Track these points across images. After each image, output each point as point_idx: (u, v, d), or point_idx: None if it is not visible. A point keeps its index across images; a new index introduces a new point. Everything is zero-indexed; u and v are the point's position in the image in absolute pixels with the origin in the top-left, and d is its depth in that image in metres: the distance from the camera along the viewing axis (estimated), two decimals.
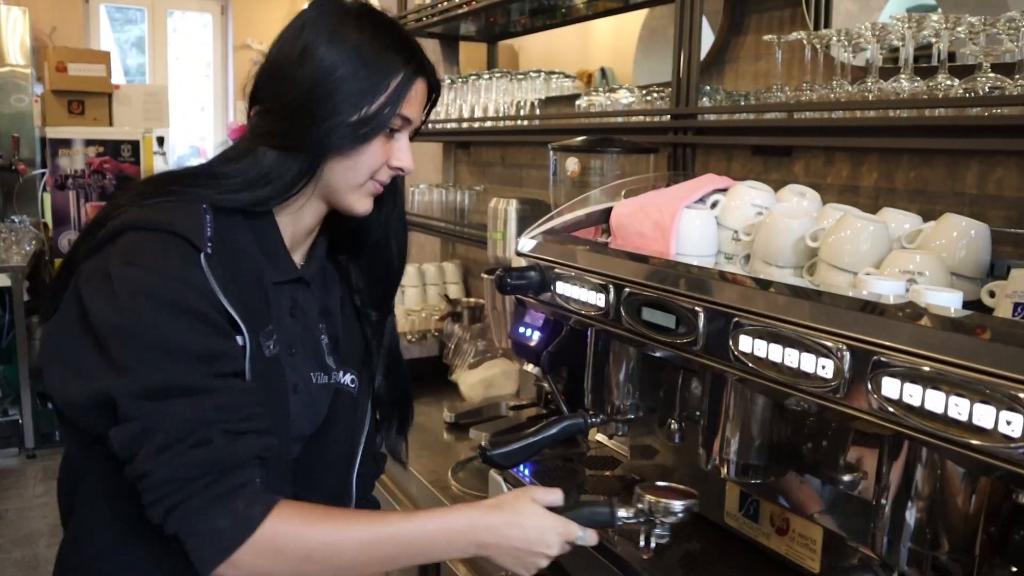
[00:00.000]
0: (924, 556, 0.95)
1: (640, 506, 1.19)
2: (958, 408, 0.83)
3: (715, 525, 1.48)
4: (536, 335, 2.01)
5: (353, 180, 1.16)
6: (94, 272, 1.04)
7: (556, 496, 1.18)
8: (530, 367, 2.26)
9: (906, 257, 1.22)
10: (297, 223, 1.21)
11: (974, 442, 0.82)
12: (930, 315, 0.91)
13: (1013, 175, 1.52)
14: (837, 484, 1.20)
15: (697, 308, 1.15)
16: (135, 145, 6.04)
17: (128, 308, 1.00)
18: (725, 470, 1.21)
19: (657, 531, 1.21)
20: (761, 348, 1.05)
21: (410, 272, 3.80)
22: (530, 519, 1.12)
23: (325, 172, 1.16)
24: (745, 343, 1.07)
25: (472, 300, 3.06)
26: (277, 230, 1.18)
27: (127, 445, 0.98)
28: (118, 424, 0.98)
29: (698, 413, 1.28)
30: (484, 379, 2.56)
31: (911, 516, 0.95)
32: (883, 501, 0.99)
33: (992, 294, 1.16)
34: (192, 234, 1.05)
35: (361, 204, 1.19)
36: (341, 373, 1.30)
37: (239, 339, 1.06)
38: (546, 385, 2.01)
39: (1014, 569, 0.98)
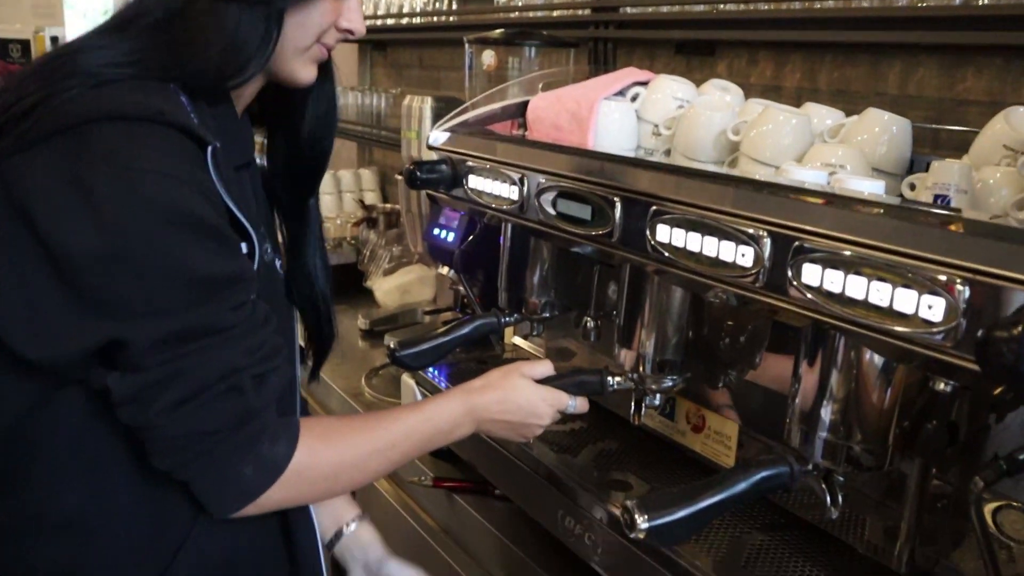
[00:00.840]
0: (838, 447, 0.92)
1: (632, 375, 1.21)
2: (879, 294, 0.80)
3: (630, 424, 1.45)
4: (451, 236, 1.93)
5: (301, 41, 0.98)
6: (51, 183, 0.81)
7: (545, 368, 1.19)
8: (446, 271, 2.20)
9: (828, 150, 1.19)
10: (239, 101, 1.03)
11: (896, 328, 0.79)
12: (852, 199, 0.87)
13: (934, 75, 1.50)
14: (754, 380, 1.18)
15: (613, 197, 1.09)
16: (25, 45, 5.64)
17: (123, 228, 0.80)
18: (641, 367, 1.17)
19: (648, 399, 1.22)
20: (679, 237, 1.00)
21: (325, 179, 3.66)
22: (521, 393, 1.13)
23: None
24: (663, 232, 1.02)
25: (388, 206, 2.96)
26: (234, 109, 1.02)
27: (134, 397, 0.84)
28: (118, 370, 0.84)
29: (615, 313, 1.23)
30: (400, 285, 2.49)
31: (826, 408, 0.92)
32: (799, 394, 0.96)
33: (912, 187, 1.14)
34: (191, 125, 0.85)
35: (305, 72, 1.02)
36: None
37: (244, 246, 0.92)
38: (462, 289, 1.95)
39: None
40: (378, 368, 2.14)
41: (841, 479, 0.96)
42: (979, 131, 1.16)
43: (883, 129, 1.25)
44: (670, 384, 1.20)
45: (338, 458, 0.98)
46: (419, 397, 1.62)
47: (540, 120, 1.54)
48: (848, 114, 1.31)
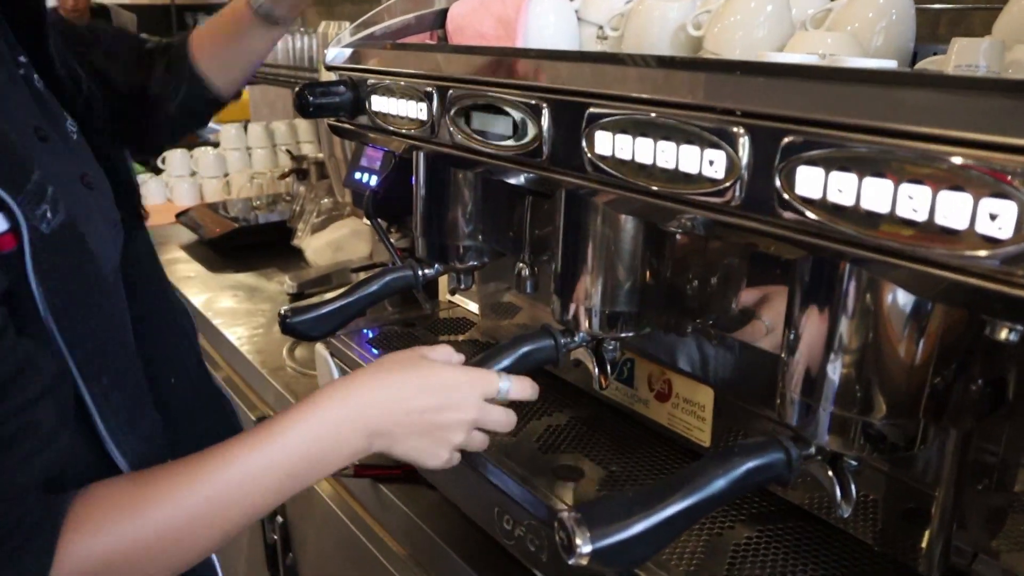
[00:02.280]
0: (851, 423, 0.67)
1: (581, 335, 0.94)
2: (913, 202, 0.53)
3: (581, 391, 1.20)
4: (374, 179, 1.66)
5: None
6: None
7: (445, 353, 0.88)
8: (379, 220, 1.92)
9: (813, 39, 0.94)
10: None
11: (939, 251, 0.53)
12: (862, 73, 0.61)
13: None
14: (732, 332, 0.92)
15: (537, 102, 0.82)
16: None
17: None
18: (587, 322, 0.91)
19: (609, 348, 0.95)
20: (625, 146, 0.73)
21: (257, 131, 3.38)
22: (432, 375, 0.81)
23: None
24: (603, 142, 0.75)
25: (322, 155, 2.67)
26: None
27: None
28: None
29: (551, 255, 0.97)
30: (331, 242, 2.22)
31: (833, 372, 0.67)
32: (795, 354, 0.70)
33: None
34: None
35: None
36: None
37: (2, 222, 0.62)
38: (392, 239, 1.68)
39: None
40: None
41: (854, 464, 0.71)
42: (1002, 7, 0.91)
43: (879, 13, 1.00)
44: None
45: (127, 547, 0.64)
46: (335, 371, 1.36)
47: (462, 30, 1.28)
48: (832, 0, 1.06)
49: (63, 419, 0.65)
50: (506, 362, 0.90)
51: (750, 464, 0.68)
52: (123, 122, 1.09)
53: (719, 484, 0.66)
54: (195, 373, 1.02)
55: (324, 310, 1.09)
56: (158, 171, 3.32)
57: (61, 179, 0.69)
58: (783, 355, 0.72)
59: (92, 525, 0.63)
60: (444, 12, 1.31)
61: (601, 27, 1.17)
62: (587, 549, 0.63)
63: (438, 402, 0.80)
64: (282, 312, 1.10)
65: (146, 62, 1.15)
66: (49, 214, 0.65)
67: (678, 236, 0.89)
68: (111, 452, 0.70)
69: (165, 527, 0.66)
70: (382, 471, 1.33)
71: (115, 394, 0.71)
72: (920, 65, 0.90)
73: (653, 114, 0.71)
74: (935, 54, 0.98)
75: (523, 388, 0.87)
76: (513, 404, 0.88)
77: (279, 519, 1.73)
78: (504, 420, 0.85)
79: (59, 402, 0.64)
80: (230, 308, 2.07)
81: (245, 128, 3.42)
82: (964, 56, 0.82)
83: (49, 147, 0.72)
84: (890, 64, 0.76)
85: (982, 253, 0.51)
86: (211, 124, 4.15)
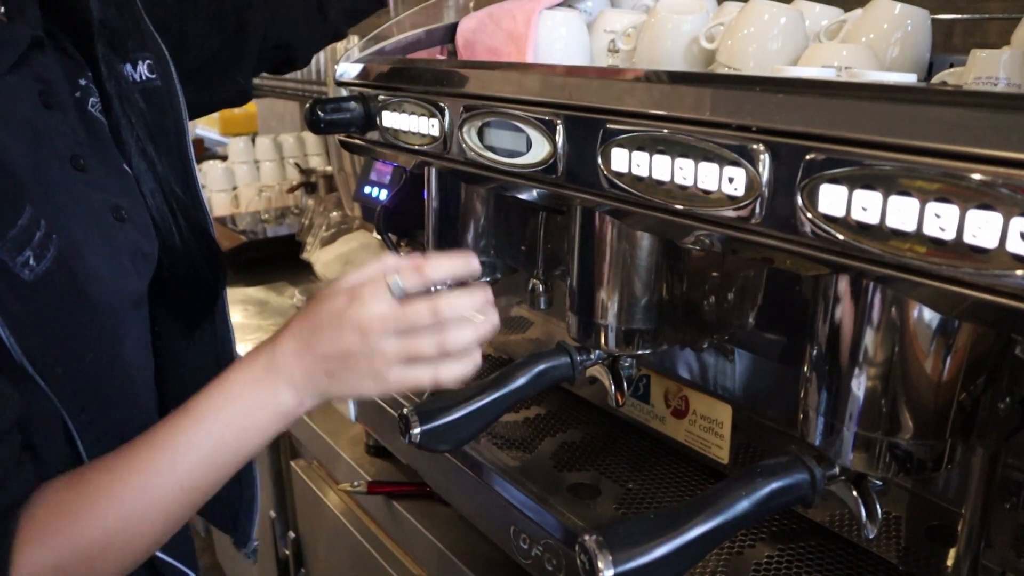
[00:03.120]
0: (876, 443, 0.66)
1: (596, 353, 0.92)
2: (941, 221, 0.52)
3: (597, 409, 1.19)
4: (384, 193, 1.66)
5: None
6: None
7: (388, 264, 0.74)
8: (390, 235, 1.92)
9: (828, 51, 0.93)
10: None
11: (966, 269, 0.52)
12: (888, 88, 0.60)
13: None
14: (751, 348, 0.91)
15: (551, 118, 0.82)
16: None
17: None
18: (603, 340, 0.90)
19: (625, 364, 0.92)
20: (641, 163, 0.72)
21: (265, 144, 3.38)
22: (319, 310, 0.72)
23: None
24: (619, 159, 0.74)
25: (330, 168, 2.67)
26: None
27: None
28: None
29: (567, 271, 0.96)
30: (341, 255, 2.21)
31: (859, 389, 0.66)
32: (816, 371, 0.69)
33: (946, 85, 0.87)
34: None
35: None
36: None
37: None
38: (403, 254, 1.67)
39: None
40: None
41: (879, 484, 0.70)
42: (1019, 16, 0.90)
43: (895, 25, 0.99)
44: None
45: (74, 551, 0.64)
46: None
47: (472, 45, 1.27)
48: (847, 11, 1.05)
49: (22, 458, 0.64)
50: (522, 380, 0.89)
51: (774, 485, 0.67)
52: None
53: (743, 506, 0.65)
54: None
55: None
56: None
57: (86, 210, 0.69)
58: (805, 373, 0.71)
59: (38, 536, 0.63)
60: (454, 27, 1.31)
61: (613, 40, 1.17)
62: (609, 573, 0.62)
63: (338, 331, 0.70)
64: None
65: None
66: (32, 261, 0.64)
67: (694, 252, 0.88)
68: None
69: (108, 526, 0.65)
70: (396, 487, 1.32)
71: (101, 424, 0.71)
72: (938, 78, 0.89)
73: (670, 131, 0.70)
74: (951, 65, 0.97)
75: (421, 277, 0.72)
76: (527, 420, 0.86)
77: (291, 534, 1.72)
78: (426, 313, 0.70)
79: (19, 442, 0.64)
80: (240, 323, 2.06)
81: (253, 141, 3.42)
82: (984, 68, 0.81)
83: (84, 176, 0.72)
84: (910, 78, 0.75)
85: (1013, 272, 0.50)
86: (219, 137, 4.14)
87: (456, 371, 0.72)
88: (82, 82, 0.77)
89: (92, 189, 0.72)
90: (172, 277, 0.83)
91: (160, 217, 0.80)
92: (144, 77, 0.82)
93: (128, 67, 0.81)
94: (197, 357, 0.94)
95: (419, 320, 0.70)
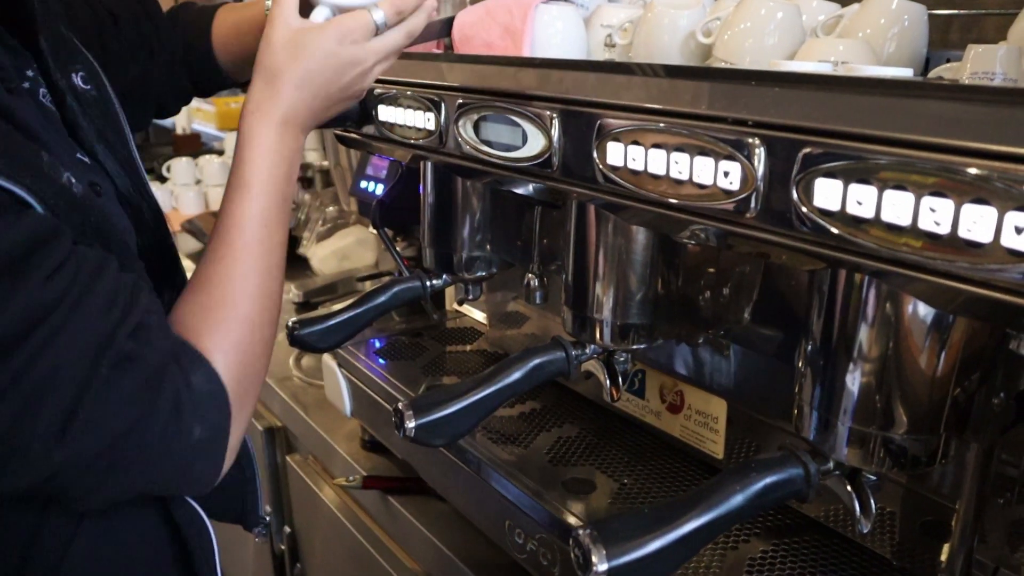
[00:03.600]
0: (871, 437, 0.66)
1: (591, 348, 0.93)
2: (935, 215, 0.52)
3: (593, 403, 1.19)
4: (380, 188, 1.66)
5: None
6: None
7: None
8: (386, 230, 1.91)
9: (825, 46, 0.92)
10: None
11: (961, 264, 0.52)
12: (883, 82, 0.60)
13: None
14: (745, 343, 0.91)
15: (547, 112, 0.81)
16: None
17: None
18: (598, 334, 0.90)
19: (620, 359, 0.93)
20: (637, 157, 0.72)
21: None
22: (315, 53, 0.81)
23: None
24: (615, 152, 0.74)
25: (327, 163, 2.66)
26: None
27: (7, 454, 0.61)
28: None
29: (562, 266, 0.96)
30: (337, 250, 2.21)
31: (852, 385, 0.66)
32: (810, 366, 0.69)
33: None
34: None
35: None
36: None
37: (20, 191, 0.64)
38: (399, 248, 1.67)
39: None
40: None
41: (873, 479, 0.70)
42: (1016, 12, 0.90)
43: (891, 20, 0.99)
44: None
45: (241, 331, 0.73)
46: (342, 382, 1.35)
47: (468, 40, 1.27)
48: (844, 6, 1.05)
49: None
50: (517, 375, 0.89)
51: (768, 480, 0.67)
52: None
53: (737, 500, 0.65)
54: None
55: (332, 322, 1.08)
56: (163, 179, 3.32)
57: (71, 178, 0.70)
58: (799, 367, 0.71)
59: (205, 334, 0.71)
60: (451, 21, 1.30)
61: (609, 35, 1.16)
62: (603, 567, 0.62)
63: (337, 69, 0.82)
64: (289, 324, 1.09)
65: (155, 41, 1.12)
66: (73, 179, 0.69)
67: (690, 247, 0.88)
68: None
69: (248, 293, 0.74)
70: (391, 482, 1.32)
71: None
72: (935, 72, 0.89)
73: (665, 124, 0.70)
74: (948, 60, 0.97)
75: (394, 7, 0.84)
76: (523, 415, 0.86)
77: (287, 529, 1.72)
78: (401, 37, 0.85)
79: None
80: None
81: None
82: (980, 63, 0.81)
83: (51, 161, 0.72)
84: (907, 72, 0.75)
85: (1008, 266, 0.50)
86: (216, 132, 4.13)
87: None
88: (29, 73, 0.78)
89: (64, 170, 0.72)
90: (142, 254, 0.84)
91: (129, 196, 0.83)
92: (79, 88, 0.83)
93: (72, 76, 0.83)
94: None
95: (396, 43, 0.85)
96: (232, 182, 0.79)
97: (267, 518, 1.06)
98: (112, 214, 0.76)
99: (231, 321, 0.73)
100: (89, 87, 0.85)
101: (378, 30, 0.83)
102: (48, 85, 0.79)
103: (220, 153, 3.45)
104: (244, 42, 1.14)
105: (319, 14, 0.83)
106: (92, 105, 0.83)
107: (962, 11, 1.14)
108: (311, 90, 0.80)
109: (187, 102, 1.20)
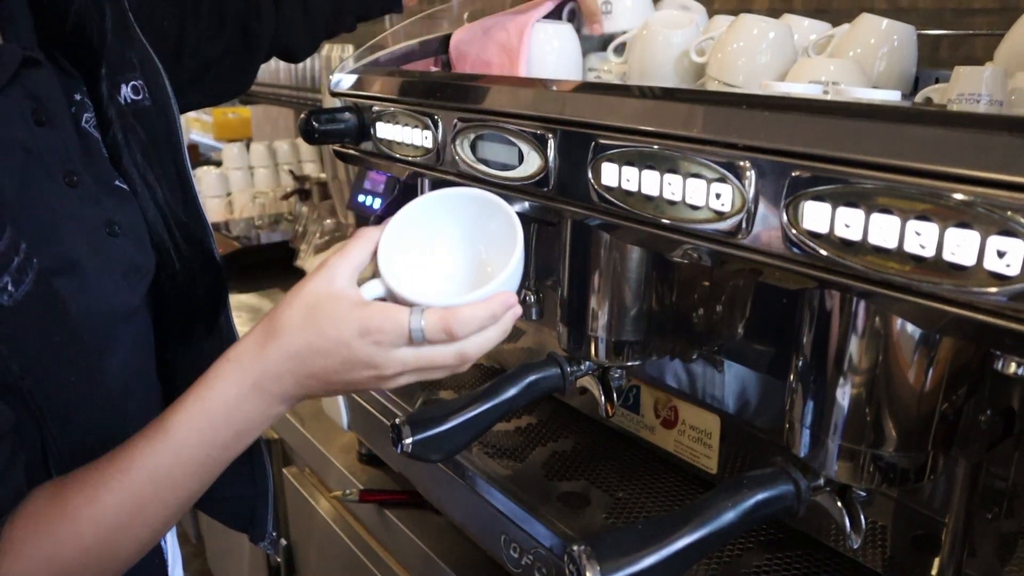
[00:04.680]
0: (859, 455, 0.67)
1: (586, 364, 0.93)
2: (921, 238, 0.54)
3: (587, 418, 1.20)
4: (378, 202, 1.67)
5: None
6: None
7: (361, 250, 0.72)
8: None
9: (816, 66, 0.94)
10: None
11: (946, 286, 0.53)
12: (871, 108, 0.61)
13: None
14: (738, 360, 0.92)
15: (543, 132, 0.83)
16: None
17: None
18: (593, 351, 0.91)
19: (615, 375, 0.93)
20: (631, 177, 0.73)
21: (259, 151, 3.38)
22: (330, 331, 0.66)
23: None
24: (609, 173, 0.75)
25: (324, 175, 2.68)
26: None
27: None
28: None
29: (558, 283, 0.97)
30: None
31: (842, 403, 0.67)
32: (801, 384, 0.70)
33: (929, 101, 0.89)
34: None
35: None
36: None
37: None
38: None
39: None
40: None
41: (863, 495, 0.71)
42: (1003, 32, 0.91)
43: (881, 40, 1.00)
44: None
45: (55, 567, 0.63)
46: (341, 397, 1.36)
47: (465, 57, 1.28)
48: (835, 26, 1.06)
49: (15, 461, 0.64)
50: (513, 391, 0.90)
51: (759, 496, 0.68)
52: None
53: (729, 516, 0.66)
54: None
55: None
56: None
57: (75, 226, 0.69)
58: (790, 385, 0.72)
59: (16, 550, 0.61)
60: (448, 38, 1.32)
61: (605, 53, 1.18)
62: None
63: (344, 365, 0.67)
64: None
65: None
66: (11, 286, 0.62)
67: (683, 265, 0.89)
68: None
69: (88, 540, 0.63)
70: (387, 496, 1.33)
71: (78, 443, 0.69)
72: (922, 93, 0.90)
73: (659, 146, 0.71)
74: (937, 80, 0.98)
75: (446, 328, 0.66)
76: (519, 430, 0.87)
77: (283, 541, 1.72)
78: (446, 360, 0.68)
79: (14, 444, 0.64)
80: None
81: (247, 147, 3.43)
82: (966, 85, 0.82)
83: (76, 192, 0.71)
84: (894, 95, 0.76)
85: (991, 289, 0.51)
86: (213, 143, 4.13)
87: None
88: (77, 96, 0.76)
89: (85, 204, 0.71)
90: (171, 294, 0.82)
91: (158, 240, 0.80)
92: (129, 100, 0.80)
93: (123, 87, 0.81)
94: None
95: (441, 363, 0.68)
96: (163, 413, 0.67)
97: (274, 534, 1.02)
98: (92, 284, 0.70)
99: (68, 543, 0.63)
100: (140, 96, 0.81)
101: (412, 338, 0.66)
102: (95, 106, 0.77)
103: (218, 164, 3.46)
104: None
105: (370, 289, 0.71)
106: (144, 117, 0.80)
107: (951, 31, 1.16)
108: (307, 368, 0.67)
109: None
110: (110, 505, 0.64)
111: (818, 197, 0.59)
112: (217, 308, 0.92)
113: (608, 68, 1.15)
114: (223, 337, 0.96)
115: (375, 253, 0.73)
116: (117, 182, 0.77)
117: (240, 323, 2.09)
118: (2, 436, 0.63)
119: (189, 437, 0.66)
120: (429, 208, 0.77)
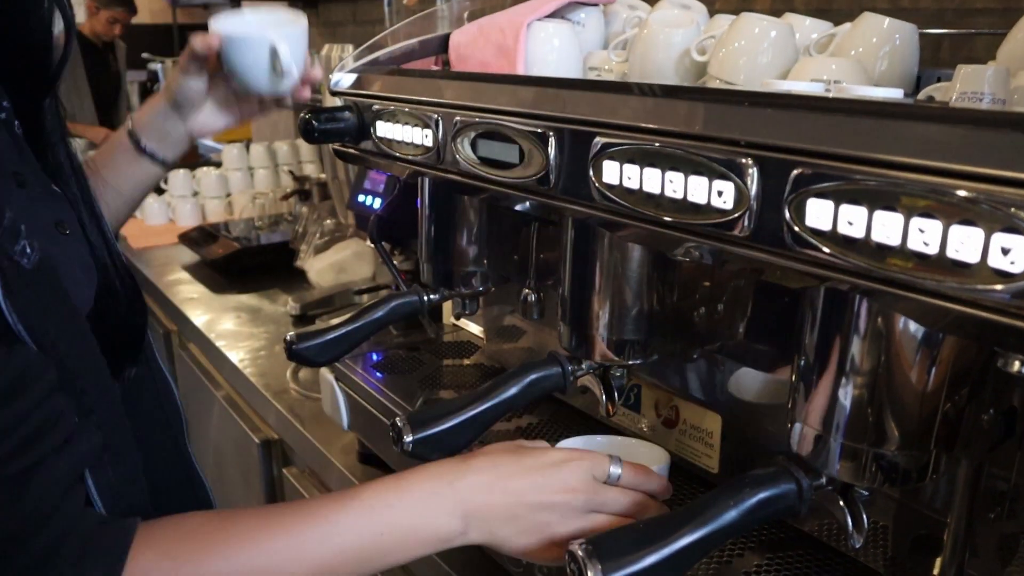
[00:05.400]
0: (862, 453, 0.67)
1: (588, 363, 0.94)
2: (925, 235, 0.53)
3: (587, 417, 1.20)
4: (378, 202, 1.67)
5: None
6: None
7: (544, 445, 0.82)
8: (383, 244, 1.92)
9: (817, 65, 0.94)
10: None
11: (950, 284, 0.53)
12: (874, 105, 0.61)
13: None
14: (740, 359, 0.92)
15: (544, 131, 0.83)
16: None
17: None
18: (595, 351, 0.90)
19: (616, 375, 0.94)
20: (632, 176, 0.73)
21: (259, 151, 3.39)
22: (534, 456, 0.76)
23: None
24: (610, 171, 0.75)
25: (324, 176, 2.67)
26: None
27: None
28: None
29: (559, 282, 0.97)
30: (334, 263, 2.21)
31: (844, 402, 0.67)
32: (803, 383, 0.70)
33: (932, 100, 0.89)
34: None
35: None
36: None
37: None
38: (396, 262, 1.68)
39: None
40: None
41: (865, 494, 0.71)
42: (1005, 32, 0.91)
43: (883, 39, 1.00)
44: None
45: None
46: (339, 395, 1.36)
47: (464, 59, 1.28)
48: (836, 25, 1.06)
49: (83, 423, 0.64)
50: (514, 390, 0.90)
51: (761, 495, 0.68)
52: None
53: (730, 516, 0.66)
54: (172, 456, 0.95)
55: (330, 336, 1.09)
56: (160, 191, 3.33)
57: (36, 223, 0.68)
58: (792, 383, 0.72)
59: (161, 551, 0.62)
60: (448, 38, 1.32)
61: (605, 52, 1.18)
62: None
63: (542, 481, 0.73)
64: (288, 339, 1.09)
65: None
66: (28, 250, 0.64)
67: (685, 264, 0.89)
68: (86, 483, 0.67)
69: (237, 569, 0.64)
70: None
71: (95, 424, 0.68)
72: (925, 92, 0.90)
73: (660, 144, 0.71)
74: (939, 79, 0.98)
75: (638, 477, 0.78)
76: (519, 429, 0.87)
77: None
78: (624, 502, 0.76)
79: (70, 399, 0.63)
80: (232, 330, 2.07)
81: (247, 148, 3.43)
82: (969, 84, 0.82)
83: (26, 192, 0.70)
84: (897, 93, 0.76)
85: (994, 287, 0.51)
86: (213, 143, 4.13)
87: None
88: (5, 103, 0.75)
89: (35, 203, 0.71)
90: (102, 309, 0.79)
91: (95, 240, 0.79)
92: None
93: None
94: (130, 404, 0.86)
95: (615, 506, 0.76)
96: (359, 487, 0.72)
97: None
98: (68, 274, 0.70)
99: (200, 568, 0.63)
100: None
101: (608, 480, 0.77)
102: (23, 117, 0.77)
103: (218, 165, 3.46)
104: (105, 169, 1.13)
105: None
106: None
107: (953, 31, 1.16)
108: (503, 481, 0.73)
109: None
110: (277, 542, 0.66)
111: (821, 194, 0.59)
112: (139, 338, 0.87)
113: (608, 68, 1.15)
114: (154, 374, 0.93)
115: None
116: (53, 186, 0.76)
117: (239, 324, 2.10)
118: (58, 386, 0.62)
119: (374, 510, 0.69)
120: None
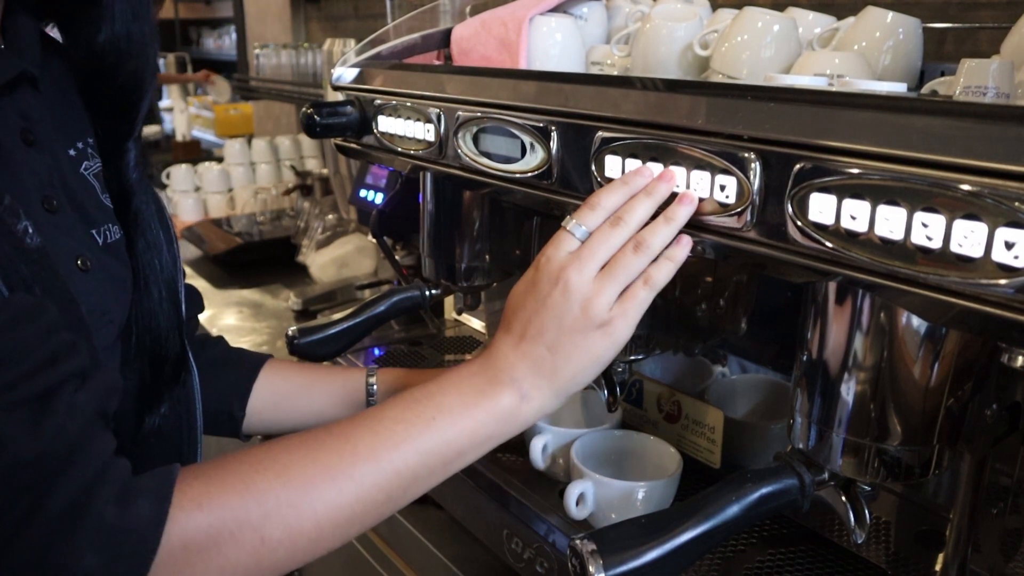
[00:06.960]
0: (865, 448, 0.67)
1: None
2: (927, 230, 0.53)
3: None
4: (380, 197, 1.67)
5: None
6: None
7: None
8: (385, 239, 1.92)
9: (821, 59, 0.93)
10: None
11: (953, 278, 0.53)
12: (876, 98, 0.61)
13: None
14: (742, 355, 0.92)
15: (546, 125, 0.82)
16: None
17: None
18: None
19: (618, 370, 0.92)
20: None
21: (261, 146, 3.38)
22: (513, 294, 0.71)
23: None
24: (613, 165, 0.75)
25: (326, 171, 2.67)
26: None
27: None
28: None
29: None
30: (336, 258, 2.21)
31: (846, 396, 0.66)
32: (806, 376, 0.70)
33: (936, 94, 0.88)
34: None
35: None
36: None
37: None
38: (398, 257, 1.68)
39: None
40: None
41: (868, 489, 0.71)
42: (1009, 25, 0.91)
43: (887, 33, 0.99)
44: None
45: (263, 510, 0.59)
46: None
47: (466, 53, 1.28)
48: (840, 19, 1.05)
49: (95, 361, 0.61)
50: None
51: (763, 490, 0.67)
52: None
53: (733, 511, 0.66)
54: None
55: (331, 331, 1.09)
56: (162, 186, 3.33)
57: (58, 254, 0.66)
58: (794, 379, 0.72)
59: (206, 478, 0.59)
60: (450, 32, 1.31)
61: (608, 46, 1.18)
62: None
63: (535, 295, 0.68)
64: (289, 333, 1.09)
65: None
66: (31, 230, 0.61)
67: (687, 259, 0.88)
68: None
69: (293, 472, 0.62)
70: None
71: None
72: (929, 86, 0.90)
73: (663, 138, 0.70)
74: (942, 73, 0.98)
75: (592, 210, 0.70)
76: None
77: None
78: (614, 233, 0.68)
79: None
80: (235, 325, 2.07)
81: (249, 143, 3.43)
82: (973, 77, 0.82)
83: (52, 219, 0.68)
84: (900, 87, 0.76)
85: (998, 282, 0.50)
86: (215, 139, 4.12)
87: (667, 269, 0.69)
88: (79, 144, 0.75)
89: (59, 233, 0.68)
90: (137, 350, 0.78)
91: (153, 294, 0.78)
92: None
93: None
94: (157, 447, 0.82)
95: (605, 241, 0.68)
96: (394, 397, 0.68)
97: None
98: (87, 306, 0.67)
99: (275, 496, 0.60)
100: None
101: (578, 235, 0.70)
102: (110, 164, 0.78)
103: (219, 160, 3.46)
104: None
105: None
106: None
107: (957, 24, 1.15)
108: (517, 327, 0.69)
109: None
110: (322, 446, 0.63)
111: (824, 189, 0.59)
112: (178, 374, 0.84)
113: (611, 62, 1.14)
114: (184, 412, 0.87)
115: None
116: (94, 231, 0.74)
117: (241, 318, 2.09)
118: (67, 325, 0.59)
119: (419, 403, 0.66)
120: None
